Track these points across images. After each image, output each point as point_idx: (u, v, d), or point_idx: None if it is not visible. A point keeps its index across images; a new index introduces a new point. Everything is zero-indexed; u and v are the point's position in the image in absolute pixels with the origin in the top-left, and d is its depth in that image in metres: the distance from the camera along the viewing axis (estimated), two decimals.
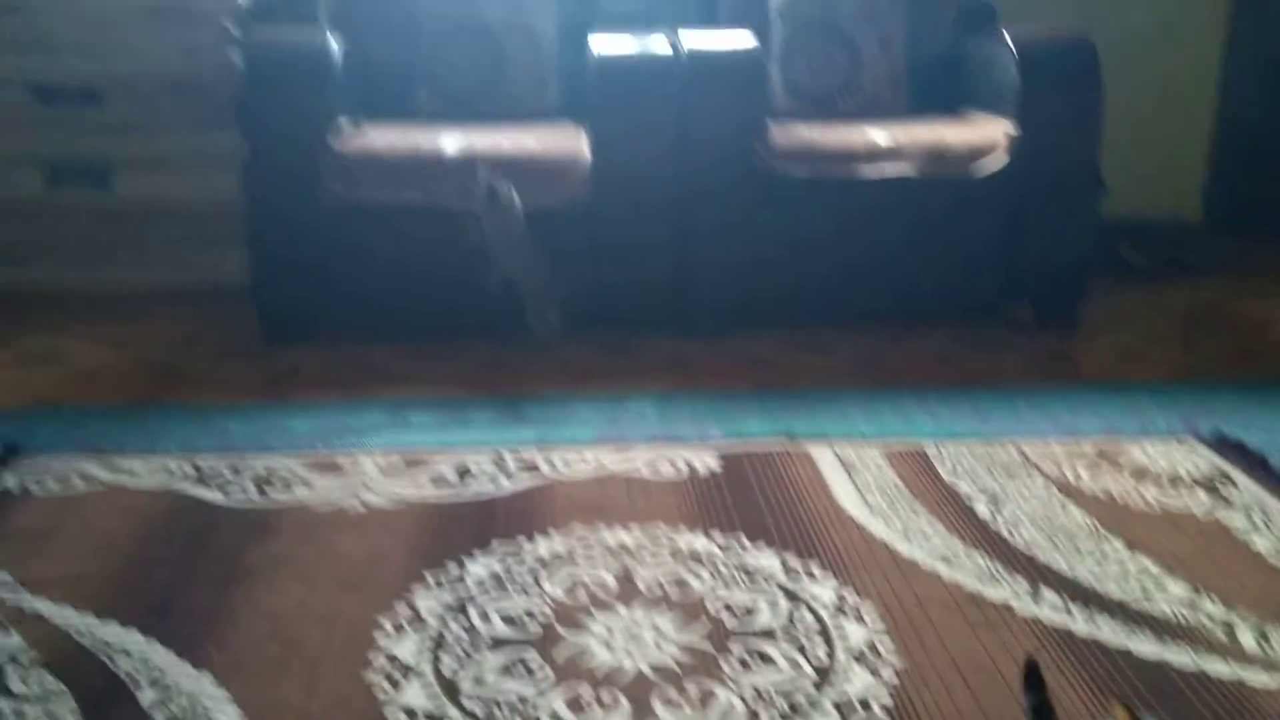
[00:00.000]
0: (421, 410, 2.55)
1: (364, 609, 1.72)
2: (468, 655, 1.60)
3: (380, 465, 2.22)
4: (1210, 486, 2.15)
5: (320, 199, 2.90)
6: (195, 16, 3.37)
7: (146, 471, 2.19)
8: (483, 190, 2.73)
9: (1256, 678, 1.54)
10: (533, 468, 2.22)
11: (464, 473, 2.19)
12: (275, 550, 1.90)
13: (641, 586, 1.80)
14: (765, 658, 1.60)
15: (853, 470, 2.22)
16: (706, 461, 2.25)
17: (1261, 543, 1.94)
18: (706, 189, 3.01)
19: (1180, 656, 1.60)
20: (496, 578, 1.81)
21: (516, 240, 2.77)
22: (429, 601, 1.74)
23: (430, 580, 1.80)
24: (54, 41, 3.34)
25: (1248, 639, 1.64)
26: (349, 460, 2.24)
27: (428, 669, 1.57)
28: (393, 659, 1.59)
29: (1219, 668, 1.57)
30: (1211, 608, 1.73)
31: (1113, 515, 2.04)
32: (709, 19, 3.42)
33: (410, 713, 1.47)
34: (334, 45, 3.02)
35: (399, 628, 1.67)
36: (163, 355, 2.96)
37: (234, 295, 3.20)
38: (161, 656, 1.59)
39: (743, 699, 1.51)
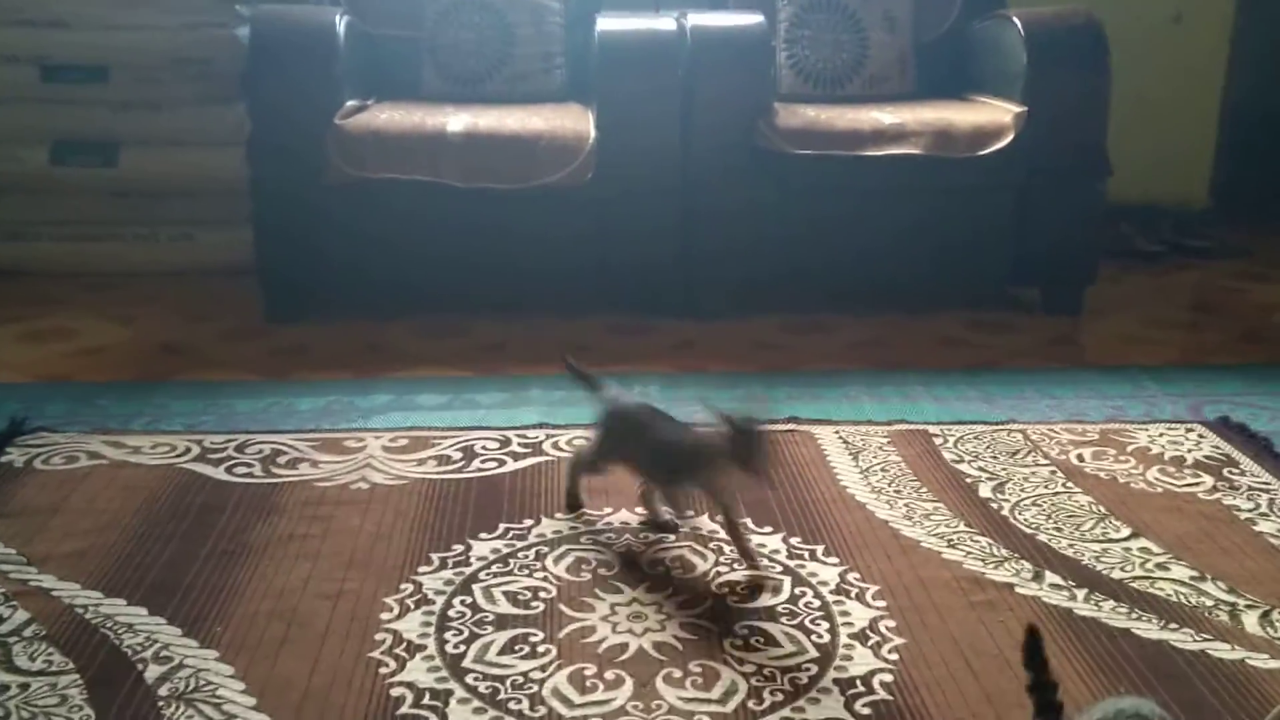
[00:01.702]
0: (428, 390, 2.55)
1: (369, 586, 1.72)
2: (472, 633, 1.61)
3: (386, 445, 2.23)
4: (1215, 470, 2.15)
5: (326, 177, 2.90)
6: None
7: (152, 448, 2.19)
8: None
9: (1259, 659, 1.55)
10: (538, 449, 2.22)
11: (469, 453, 2.20)
12: (280, 528, 1.90)
13: (645, 567, 1.80)
14: (768, 637, 1.61)
15: (856, 452, 2.22)
16: None
17: (1266, 526, 1.94)
18: (712, 169, 3.01)
19: (1182, 638, 1.60)
20: (501, 557, 1.82)
21: None
22: (434, 580, 1.75)
23: (435, 559, 1.81)
24: (60, 18, 3.33)
25: (1251, 621, 1.64)
26: (355, 439, 2.25)
27: (432, 646, 1.57)
28: (397, 636, 1.60)
29: (1221, 649, 1.58)
30: (1215, 590, 1.73)
31: (1116, 498, 2.04)
32: (718, 4, 3.40)
33: (414, 689, 1.48)
34: (341, 24, 3.01)
35: (404, 605, 1.68)
36: (169, 333, 2.97)
37: (240, 274, 3.20)
38: (166, 632, 1.60)
39: (745, 677, 1.51)
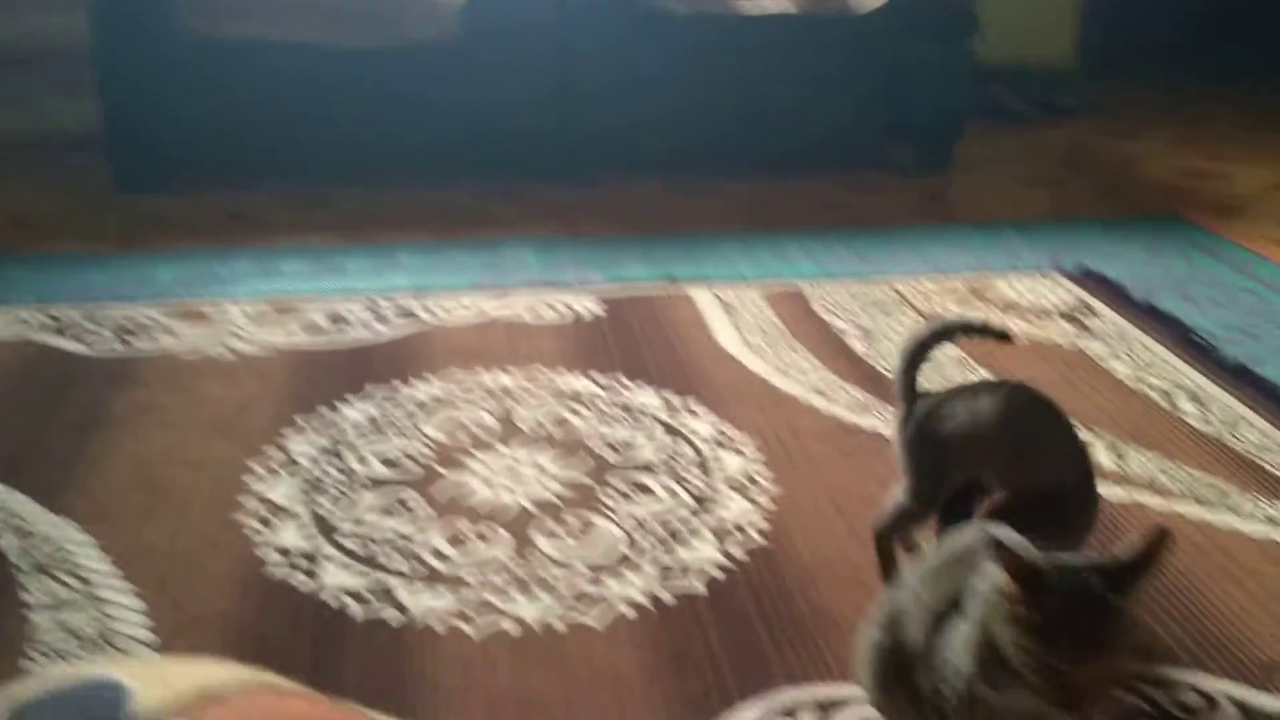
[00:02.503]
0: (292, 258, 2.47)
1: (233, 454, 1.68)
2: (344, 496, 1.59)
3: (249, 313, 2.15)
4: (1073, 317, 2.22)
5: (175, 36, 2.73)
6: None
7: (2, 323, 2.08)
8: None
9: (1112, 492, 1.62)
10: (409, 314, 2.17)
11: (337, 320, 2.14)
12: (139, 398, 1.83)
13: (522, 426, 1.79)
14: (645, 489, 1.62)
15: (732, 311, 2.23)
16: (587, 305, 2.24)
17: (1121, 368, 2.02)
18: (587, 28, 2.92)
19: None
20: (373, 421, 1.79)
21: None
22: (302, 446, 1.71)
23: (303, 425, 1.77)
24: None
25: (1105, 457, 1.72)
26: (216, 309, 2.17)
27: (302, 510, 1.55)
28: (265, 501, 1.57)
29: None
30: None
31: (980, 347, 2.09)
32: None
33: (284, 552, 1.46)
34: None
35: (271, 471, 1.64)
36: (16, 206, 2.80)
37: (90, 143, 3.02)
38: (22, 504, 1.54)
39: (622, 528, 1.53)
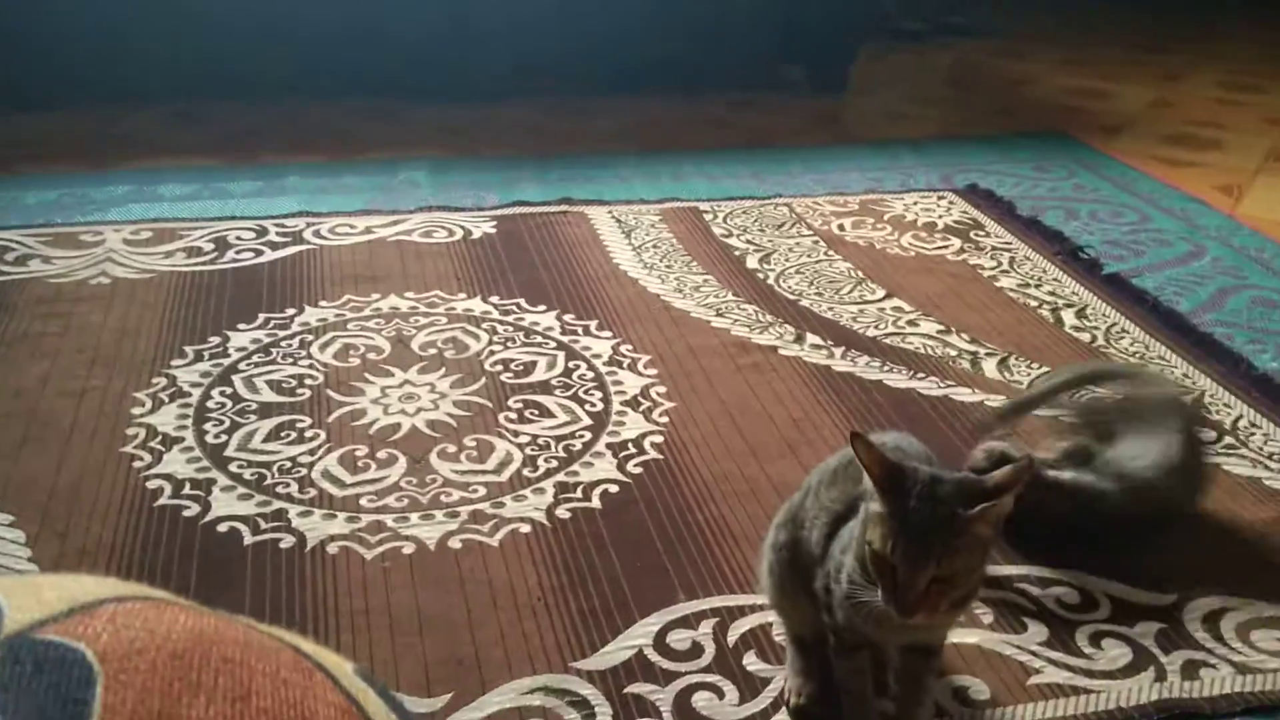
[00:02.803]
0: (172, 180, 2.37)
1: (117, 383, 1.62)
2: (234, 423, 1.55)
3: (128, 238, 2.07)
4: (963, 233, 2.26)
5: None
6: None
7: None
8: None
9: (996, 400, 1.67)
10: (299, 238, 2.12)
11: (222, 244, 2.07)
12: (11, 327, 1.76)
13: (417, 350, 1.76)
14: (543, 409, 1.61)
15: (629, 231, 2.22)
16: (482, 227, 2.20)
17: (1007, 281, 2.06)
18: None
19: (929, 385, 1.71)
20: (262, 347, 1.74)
21: None
22: (190, 374, 1.66)
23: (189, 352, 1.72)
24: None
25: (990, 367, 1.76)
26: (92, 233, 2.08)
27: (190, 438, 1.51)
28: (151, 430, 1.52)
29: (963, 393, 1.69)
30: (959, 342, 1.84)
31: (873, 263, 2.12)
32: None
33: (173, 480, 1.42)
34: None
35: (157, 400, 1.59)
36: None
37: None
38: None
39: (520, 448, 1.52)
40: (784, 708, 1.12)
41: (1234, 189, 2.60)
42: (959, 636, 1.20)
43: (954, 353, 1.80)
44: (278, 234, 2.13)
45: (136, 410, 1.56)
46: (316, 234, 2.13)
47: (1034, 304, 1.97)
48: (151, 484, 1.41)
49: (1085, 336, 1.87)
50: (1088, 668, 1.19)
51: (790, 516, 1.13)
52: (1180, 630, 1.24)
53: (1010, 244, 2.22)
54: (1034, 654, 1.20)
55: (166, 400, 1.59)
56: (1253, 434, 1.61)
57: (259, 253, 2.05)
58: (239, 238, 2.10)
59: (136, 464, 1.45)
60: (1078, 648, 1.21)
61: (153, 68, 2.81)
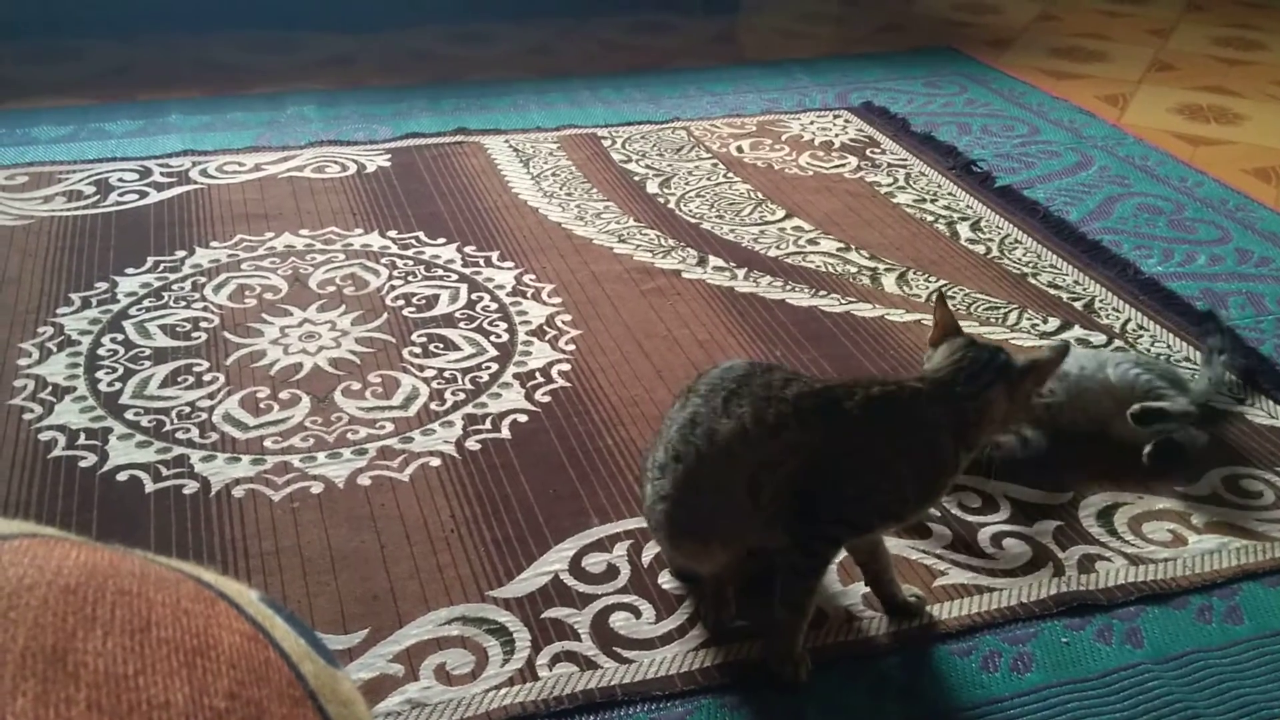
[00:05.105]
0: (46, 122, 2.27)
1: (0, 334, 1.56)
2: (127, 370, 1.50)
3: (3, 184, 1.98)
4: (859, 151, 2.28)
5: None
6: None
7: None
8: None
9: (896, 314, 1.70)
10: (184, 178, 2.04)
11: (104, 187, 1.99)
12: None
13: (315, 287, 1.73)
14: (448, 343, 1.60)
15: (527, 159, 2.19)
16: (376, 160, 2.15)
17: (903, 198, 2.09)
18: None
19: (830, 302, 1.73)
20: (153, 291, 1.69)
21: None
22: (77, 321, 1.60)
23: (76, 300, 1.66)
24: None
25: (889, 282, 1.79)
26: None
27: (82, 387, 1.46)
28: (40, 381, 1.47)
29: (864, 309, 1.71)
30: (859, 258, 1.86)
31: (772, 184, 2.13)
32: None
33: (66, 431, 1.38)
34: None
35: (44, 349, 1.54)
36: None
37: None
38: None
39: (426, 382, 1.51)
40: (700, 624, 1.14)
41: (1119, 99, 2.66)
42: None
43: (854, 269, 1.83)
44: (162, 174, 2.05)
45: (23, 361, 1.51)
46: (203, 173, 2.07)
47: (930, 219, 2.01)
48: (44, 435, 1.37)
49: (980, 249, 1.91)
50: (990, 567, 1.23)
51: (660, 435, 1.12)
52: (1076, 527, 1.29)
53: (905, 160, 2.24)
54: (939, 557, 1.24)
55: (55, 350, 1.54)
56: (1140, 336, 1.67)
57: (143, 194, 1.98)
58: (121, 179, 2.03)
59: (26, 416, 1.40)
60: (980, 548, 1.26)
61: (9, 3, 2.66)
